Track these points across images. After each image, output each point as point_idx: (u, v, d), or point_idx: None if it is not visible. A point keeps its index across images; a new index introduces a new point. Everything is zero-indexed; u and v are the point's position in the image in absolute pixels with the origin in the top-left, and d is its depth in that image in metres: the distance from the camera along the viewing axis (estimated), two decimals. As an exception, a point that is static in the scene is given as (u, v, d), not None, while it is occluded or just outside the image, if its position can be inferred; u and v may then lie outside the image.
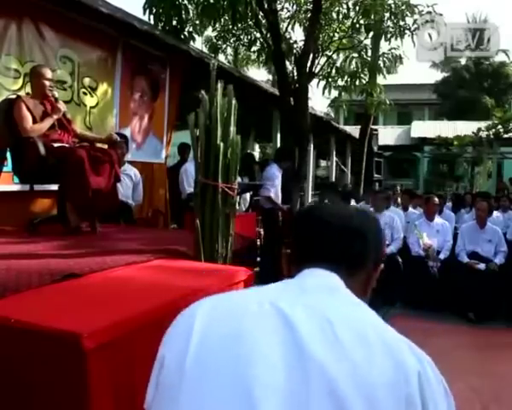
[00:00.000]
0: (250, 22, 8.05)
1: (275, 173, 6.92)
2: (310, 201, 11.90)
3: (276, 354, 0.80)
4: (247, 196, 6.69)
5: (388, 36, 8.00)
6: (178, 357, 0.87)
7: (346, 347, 0.81)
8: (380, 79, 9.10)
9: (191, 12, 7.46)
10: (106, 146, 4.85)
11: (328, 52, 8.54)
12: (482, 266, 5.69)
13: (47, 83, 3.83)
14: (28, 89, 4.28)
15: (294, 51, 8.40)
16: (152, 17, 7.01)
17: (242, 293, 1.12)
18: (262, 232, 8.12)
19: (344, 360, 0.80)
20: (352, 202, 7.88)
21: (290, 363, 0.79)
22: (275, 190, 6.88)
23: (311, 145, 12.49)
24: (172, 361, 0.89)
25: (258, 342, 0.82)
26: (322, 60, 8.46)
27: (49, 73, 3.89)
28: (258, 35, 8.40)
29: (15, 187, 4.20)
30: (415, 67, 19.51)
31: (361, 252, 1.05)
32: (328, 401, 0.76)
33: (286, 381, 0.77)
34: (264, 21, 7.73)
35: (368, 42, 8.74)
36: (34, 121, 3.70)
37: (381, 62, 8.48)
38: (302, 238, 1.09)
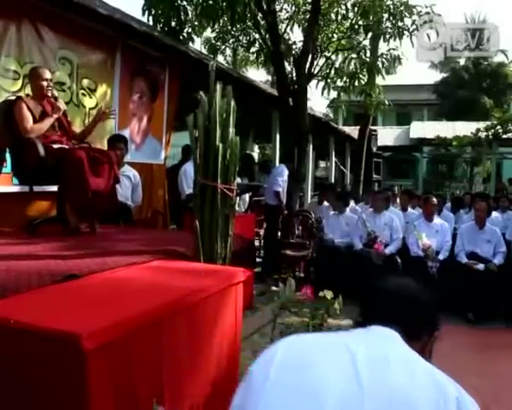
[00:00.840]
0: (249, 23, 8.06)
1: (284, 170, 7.09)
2: (309, 201, 11.90)
3: (336, 377, 1.05)
4: (246, 196, 6.72)
5: (387, 37, 8.01)
6: (264, 368, 1.12)
7: (394, 370, 1.07)
8: (379, 80, 9.09)
9: (190, 13, 7.47)
10: (105, 146, 4.88)
11: (326, 53, 8.55)
12: (481, 266, 5.69)
13: (44, 83, 3.84)
14: (27, 90, 4.28)
15: (293, 52, 8.41)
16: (151, 18, 7.01)
17: (314, 334, 1.47)
18: (262, 233, 8.16)
19: (391, 379, 1.04)
20: (352, 203, 7.88)
21: (347, 381, 1.04)
22: (283, 187, 7.03)
23: (311, 146, 12.51)
24: (260, 371, 1.13)
25: (323, 363, 1.09)
26: (321, 60, 8.47)
27: (47, 74, 3.90)
28: (257, 36, 8.40)
29: (15, 188, 4.21)
30: (414, 67, 19.53)
31: (417, 320, 1.32)
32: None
33: (342, 388, 1.03)
34: (262, 22, 7.74)
35: (367, 42, 8.73)
36: (34, 121, 3.71)
37: (379, 63, 8.47)
38: (370, 305, 1.45)
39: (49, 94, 3.88)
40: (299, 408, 1.02)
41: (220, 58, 9.74)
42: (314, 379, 1.05)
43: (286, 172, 7.19)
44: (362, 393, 1.01)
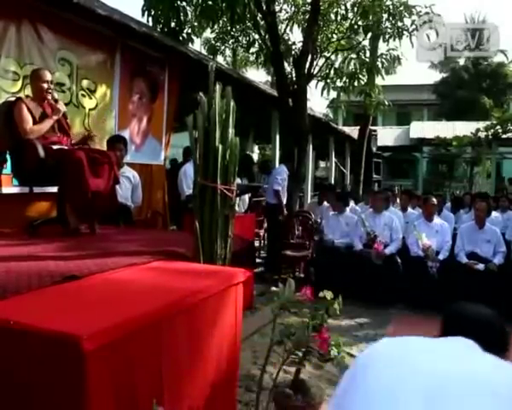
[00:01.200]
0: (248, 24, 8.07)
1: (284, 170, 7.12)
2: (309, 201, 11.90)
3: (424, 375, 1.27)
4: (246, 197, 6.73)
5: (386, 37, 8.01)
6: (364, 360, 1.49)
7: (478, 362, 1.35)
8: (378, 80, 9.10)
9: (189, 14, 7.48)
10: (105, 146, 4.88)
11: (326, 53, 8.55)
12: (481, 266, 5.69)
13: (46, 85, 3.85)
14: (27, 91, 4.29)
15: (293, 52, 8.42)
16: (150, 19, 7.02)
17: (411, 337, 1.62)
18: (261, 233, 8.18)
19: (477, 368, 1.29)
20: (352, 203, 7.88)
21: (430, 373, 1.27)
22: (283, 186, 7.05)
23: (310, 146, 12.51)
24: (361, 363, 1.48)
25: (410, 358, 1.39)
26: (321, 61, 8.48)
27: (48, 76, 3.91)
28: (256, 36, 8.41)
29: (15, 189, 4.21)
30: (413, 67, 19.53)
31: (492, 342, 1.48)
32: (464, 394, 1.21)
33: (424, 383, 1.24)
34: (262, 23, 7.74)
35: (366, 43, 8.75)
36: (34, 123, 3.72)
37: (379, 63, 8.48)
38: (451, 330, 1.59)
39: (50, 96, 3.89)
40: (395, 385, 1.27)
41: (220, 59, 9.76)
42: (410, 368, 1.32)
43: (285, 172, 7.23)
44: (449, 378, 1.24)
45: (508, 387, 1.23)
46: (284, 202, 7.32)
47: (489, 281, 5.59)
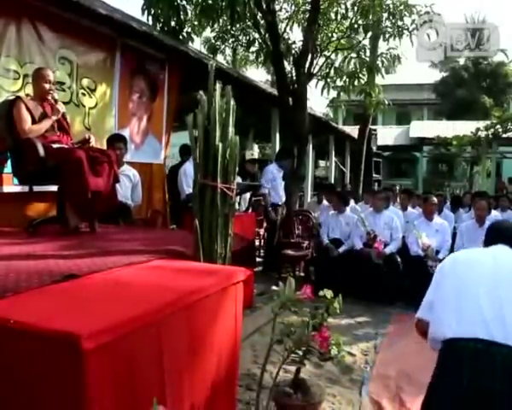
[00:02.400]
0: (248, 23, 8.06)
1: (271, 171, 7.10)
2: (309, 201, 11.90)
3: (488, 267, 2.22)
4: (247, 196, 6.72)
5: (387, 36, 8.02)
6: (452, 265, 2.37)
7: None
8: (378, 79, 9.10)
9: (190, 13, 7.48)
10: (105, 145, 4.88)
11: (326, 52, 8.54)
12: None
13: (48, 86, 3.85)
14: (27, 90, 4.29)
15: (293, 52, 8.40)
16: (150, 18, 7.01)
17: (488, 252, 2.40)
18: (262, 232, 8.18)
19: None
20: (352, 202, 7.88)
21: (495, 270, 2.20)
22: (272, 187, 7.02)
23: (310, 145, 12.52)
24: (449, 267, 2.37)
25: (481, 260, 2.32)
26: (321, 60, 8.47)
27: (51, 76, 3.92)
28: (256, 35, 8.40)
29: (15, 188, 4.21)
30: (414, 67, 19.53)
31: None
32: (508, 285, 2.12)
33: (491, 273, 2.18)
34: (262, 22, 7.74)
35: (366, 42, 8.74)
36: (33, 122, 3.72)
37: (379, 62, 8.48)
38: (494, 236, 2.49)
39: (50, 96, 3.89)
40: (472, 273, 2.22)
41: (220, 58, 9.74)
42: (478, 264, 2.28)
43: (272, 171, 7.21)
44: (498, 269, 2.20)
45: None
46: (283, 199, 7.30)
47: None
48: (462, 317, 2.08)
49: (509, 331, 1.94)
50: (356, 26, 8.25)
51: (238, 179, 3.96)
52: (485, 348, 1.94)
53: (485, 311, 2.02)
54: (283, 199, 7.33)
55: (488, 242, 2.46)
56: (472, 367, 1.94)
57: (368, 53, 8.81)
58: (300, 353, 2.42)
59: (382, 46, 8.61)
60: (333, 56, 8.69)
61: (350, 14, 8.20)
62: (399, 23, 7.90)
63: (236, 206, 4.22)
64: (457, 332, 2.05)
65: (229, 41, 8.94)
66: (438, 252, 5.99)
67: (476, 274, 2.19)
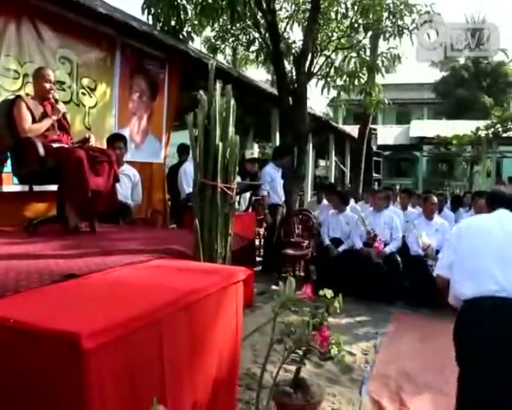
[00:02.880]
0: (249, 22, 8.06)
1: (269, 172, 7.09)
2: (309, 200, 11.90)
3: (497, 232, 2.64)
4: (247, 196, 6.72)
5: (387, 35, 8.02)
6: (467, 229, 2.82)
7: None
8: (378, 79, 9.10)
9: (190, 12, 7.48)
10: (105, 145, 4.88)
11: (326, 52, 8.55)
12: None
13: (48, 85, 3.86)
14: (27, 89, 4.29)
15: (293, 51, 8.41)
16: (150, 17, 7.01)
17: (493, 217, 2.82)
18: (262, 232, 8.17)
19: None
20: (352, 202, 7.88)
21: (502, 234, 2.62)
22: (270, 188, 7.01)
23: (310, 145, 12.51)
24: (464, 231, 2.79)
25: (489, 225, 2.73)
26: (321, 59, 8.48)
27: (51, 76, 3.93)
28: (256, 35, 8.40)
29: (15, 188, 4.21)
30: (414, 66, 19.52)
31: None
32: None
33: (501, 238, 2.59)
34: (262, 21, 7.74)
35: (366, 41, 8.75)
36: (34, 121, 3.72)
37: (379, 62, 8.48)
38: (497, 200, 2.89)
39: (51, 96, 3.89)
40: (484, 239, 2.64)
41: (220, 57, 9.74)
42: (488, 229, 2.69)
43: (272, 172, 7.20)
44: (505, 234, 2.60)
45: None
46: (283, 198, 7.30)
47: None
48: (479, 279, 2.51)
49: None
50: (356, 25, 8.25)
51: (237, 179, 3.95)
52: (501, 303, 2.42)
53: (497, 272, 2.46)
54: (283, 198, 7.32)
55: (492, 207, 2.90)
56: (491, 319, 2.41)
57: (368, 52, 8.81)
58: (300, 352, 2.42)
59: (382, 45, 8.62)
60: (333, 56, 8.70)
61: (350, 13, 8.21)
62: (399, 22, 7.90)
63: (236, 205, 4.21)
64: (476, 292, 2.49)
65: (230, 40, 8.95)
66: (438, 252, 5.98)
67: (488, 239, 2.63)
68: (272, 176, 7.15)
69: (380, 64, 8.48)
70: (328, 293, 2.50)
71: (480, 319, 2.46)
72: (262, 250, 8.25)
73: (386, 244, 6.08)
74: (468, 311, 2.54)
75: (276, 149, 7.73)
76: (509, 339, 2.38)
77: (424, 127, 21.73)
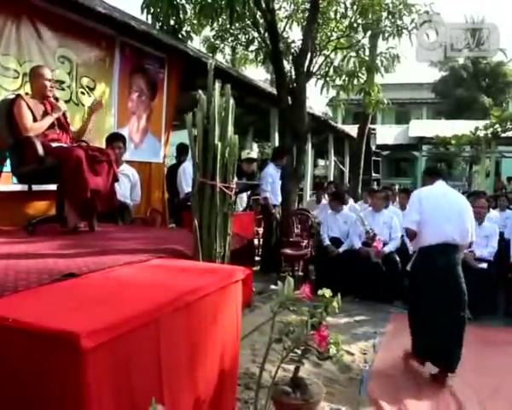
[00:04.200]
0: (248, 22, 8.06)
1: (270, 174, 7.10)
2: (308, 200, 11.90)
3: (447, 204, 3.98)
4: (244, 195, 6.72)
5: (386, 35, 8.01)
6: (425, 197, 4.06)
7: (455, 197, 4.20)
8: (378, 78, 9.10)
9: (189, 12, 7.48)
10: (104, 144, 4.88)
11: (325, 51, 8.55)
12: (484, 265, 5.70)
13: (47, 83, 3.86)
14: (27, 89, 4.28)
15: (292, 51, 8.40)
16: (150, 17, 7.01)
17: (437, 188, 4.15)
18: (260, 231, 8.18)
19: (458, 202, 4.10)
20: (350, 201, 7.88)
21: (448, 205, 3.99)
22: (269, 189, 7.02)
23: (310, 144, 12.50)
24: (427, 202, 3.99)
25: (441, 200, 4.03)
26: (320, 59, 8.48)
27: (49, 74, 3.92)
28: (255, 34, 8.40)
29: (14, 187, 4.21)
30: (413, 66, 19.52)
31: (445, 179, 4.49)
32: (458, 214, 3.94)
33: (446, 205, 3.96)
34: (261, 21, 7.74)
35: (366, 41, 8.73)
36: (34, 120, 3.72)
37: (378, 62, 8.48)
38: (433, 176, 4.29)
39: (51, 94, 3.89)
40: (435, 205, 3.95)
41: (219, 57, 9.73)
42: (443, 201, 3.99)
43: (271, 173, 7.23)
44: (448, 202, 3.99)
45: (465, 205, 4.06)
46: (279, 199, 7.31)
47: (487, 279, 5.61)
48: (435, 232, 3.87)
49: (457, 238, 3.88)
50: (355, 25, 8.25)
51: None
52: (446, 247, 3.86)
53: (446, 229, 3.86)
54: (279, 199, 7.34)
55: (432, 179, 4.23)
56: (440, 256, 3.83)
57: (367, 52, 8.81)
58: (299, 352, 2.42)
59: (382, 45, 8.62)
60: (332, 55, 8.69)
61: (349, 13, 8.21)
62: (399, 22, 7.90)
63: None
64: (432, 241, 3.88)
65: (229, 40, 8.94)
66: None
67: (438, 206, 3.95)
68: (273, 177, 7.17)
69: (379, 64, 8.47)
70: (327, 292, 2.50)
71: (435, 256, 3.85)
72: (261, 250, 8.26)
73: (385, 244, 6.08)
74: (426, 252, 3.93)
75: (276, 150, 7.74)
76: (450, 268, 3.86)
77: (423, 127, 21.75)
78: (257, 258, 7.59)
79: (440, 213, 3.90)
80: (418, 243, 4.03)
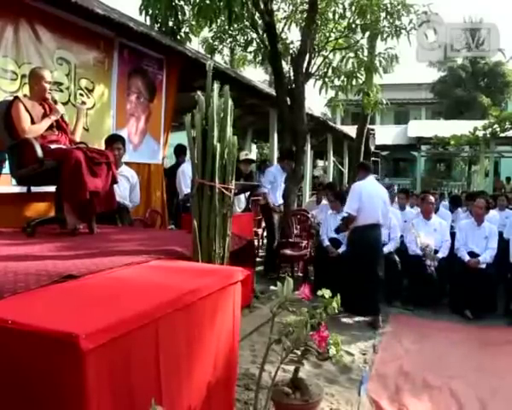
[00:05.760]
0: (246, 23, 8.05)
1: (273, 172, 7.12)
2: (307, 200, 11.90)
3: (376, 195, 5.38)
4: (242, 196, 6.73)
5: (384, 36, 8.01)
6: (364, 189, 5.30)
7: (380, 188, 5.62)
8: (376, 79, 9.09)
9: (187, 13, 7.47)
10: (103, 146, 4.87)
11: (324, 52, 8.54)
12: (484, 265, 5.70)
13: (46, 85, 3.85)
14: (25, 90, 4.29)
15: (291, 51, 8.39)
16: (148, 18, 7.00)
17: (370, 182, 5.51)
18: (260, 232, 8.18)
19: (382, 192, 5.53)
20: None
21: (377, 195, 5.40)
22: (271, 188, 7.03)
23: (309, 145, 12.51)
24: (365, 193, 5.24)
25: (373, 191, 5.38)
26: (319, 60, 8.46)
27: (48, 76, 3.92)
28: (254, 35, 8.39)
29: (13, 189, 4.21)
30: (412, 66, 19.55)
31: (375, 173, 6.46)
32: (382, 201, 5.41)
33: (376, 196, 5.36)
34: (260, 22, 7.74)
35: (364, 42, 8.72)
36: (32, 122, 3.72)
37: (377, 62, 8.47)
38: (365, 172, 5.58)
39: (49, 96, 3.89)
40: (370, 196, 5.28)
41: (218, 58, 9.73)
42: (374, 192, 5.36)
43: (273, 173, 7.27)
44: (377, 193, 5.36)
45: (386, 195, 5.57)
46: (280, 202, 7.31)
47: (486, 279, 5.62)
48: (370, 216, 5.21)
49: (381, 219, 5.30)
50: (354, 25, 8.24)
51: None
52: (375, 226, 5.24)
53: (378, 213, 5.25)
54: (280, 201, 7.33)
55: (365, 174, 5.50)
56: (371, 232, 5.22)
57: (366, 52, 8.79)
58: (299, 352, 2.42)
59: (380, 46, 8.61)
60: (331, 56, 8.68)
61: (348, 13, 8.20)
62: (397, 23, 7.89)
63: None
64: (366, 222, 5.20)
65: (227, 41, 8.93)
66: (436, 251, 5.99)
67: (372, 196, 5.27)
68: (275, 176, 7.18)
69: (377, 64, 8.47)
70: (327, 293, 2.50)
71: (368, 232, 5.24)
72: (260, 251, 8.27)
73: (384, 244, 6.07)
74: (362, 230, 5.24)
75: (285, 152, 7.61)
76: (377, 240, 5.36)
77: (422, 127, 21.76)
78: (257, 259, 7.59)
79: (373, 201, 5.25)
80: (356, 223, 5.28)
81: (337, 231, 6.14)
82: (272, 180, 7.16)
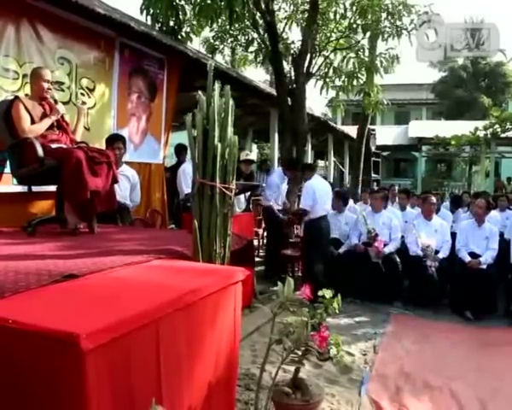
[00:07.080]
0: (247, 23, 8.05)
1: (276, 183, 7.15)
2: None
3: (323, 190, 6.16)
4: (242, 197, 6.73)
5: (385, 36, 8.01)
6: (316, 187, 6.03)
7: (326, 184, 6.50)
8: (377, 79, 9.09)
9: (188, 12, 7.46)
10: (104, 145, 4.87)
11: (325, 52, 8.54)
12: (484, 265, 5.70)
13: (44, 84, 3.85)
14: (27, 90, 4.29)
15: (292, 51, 8.40)
16: (149, 18, 7.00)
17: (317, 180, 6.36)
18: (260, 232, 8.17)
19: (328, 187, 6.38)
20: (350, 202, 7.87)
21: (324, 190, 6.21)
22: (275, 196, 7.08)
23: (309, 145, 12.51)
24: (317, 190, 5.95)
25: (322, 189, 6.13)
26: (320, 60, 8.47)
27: (48, 75, 3.92)
28: (255, 35, 8.40)
29: (14, 188, 4.21)
30: (412, 66, 19.53)
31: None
32: (328, 195, 6.28)
33: (324, 191, 6.16)
34: (261, 22, 7.74)
35: (365, 42, 8.72)
36: (32, 122, 3.72)
37: (378, 62, 8.47)
38: (311, 171, 6.43)
39: (49, 96, 3.89)
40: (321, 191, 6.06)
41: (219, 57, 9.73)
42: (322, 189, 6.12)
43: (276, 180, 7.27)
44: (324, 189, 6.19)
45: (330, 189, 6.42)
46: (287, 203, 7.33)
47: (487, 279, 5.61)
48: (321, 210, 5.95)
49: (329, 210, 6.29)
50: (354, 25, 8.24)
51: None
52: (325, 216, 6.08)
53: (327, 207, 6.12)
54: (283, 202, 7.37)
55: (311, 174, 6.23)
56: (323, 223, 6.02)
57: (366, 53, 8.80)
58: (299, 353, 2.42)
59: (381, 46, 8.61)
60: (331, 56, 8.68)
61: (349, 13, 8.20)
62: (398, 23, 7.89)
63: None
64: (320, 214, 5.94)
65: (228, 41, 8.94)
66: (437, 252, 5.98)
67: (321, 194, 5.96)
68: (278, 185, 7.22)
69: (378, 64, 8.47)
70: (327, 293, 2.50)
71: (320, 223, 5.96)
72: (261, 251, 8.26)
73: (385, 245, 6.08)
74: (316, 221, 5.93)
75: (292, 161, 7.55)
76: (328, 228, 6.10)
77: (423, 128, 21.76)
78: (257, 259, 7.59)
79: (323, 195, 6.02)
80: (310, 216, 5.97)
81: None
82: (275, 190, 7.20)
